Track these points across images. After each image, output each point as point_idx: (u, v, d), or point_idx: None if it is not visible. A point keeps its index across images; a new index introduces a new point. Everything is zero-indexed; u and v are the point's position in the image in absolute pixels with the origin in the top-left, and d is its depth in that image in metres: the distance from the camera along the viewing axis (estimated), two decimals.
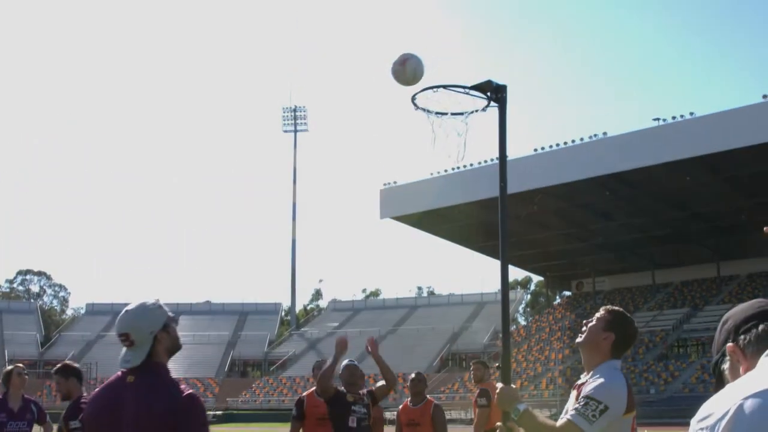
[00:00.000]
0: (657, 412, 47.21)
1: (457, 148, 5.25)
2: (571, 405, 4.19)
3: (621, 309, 4.44)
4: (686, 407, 44.39)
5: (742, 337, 1.86)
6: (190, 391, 3.44)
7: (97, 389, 3.72)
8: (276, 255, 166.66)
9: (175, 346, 3.64)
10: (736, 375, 1.82)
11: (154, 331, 3.51)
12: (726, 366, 1.88)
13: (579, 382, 4.29)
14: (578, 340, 4.31)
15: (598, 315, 4.33)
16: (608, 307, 4.42)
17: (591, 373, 4.16)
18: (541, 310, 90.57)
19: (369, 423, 8.22)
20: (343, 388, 8.34)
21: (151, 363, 3.48)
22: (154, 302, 3.64)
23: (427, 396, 9.63)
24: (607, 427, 3.96)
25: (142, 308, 3.58)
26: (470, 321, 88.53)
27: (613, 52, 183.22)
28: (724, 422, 1.60)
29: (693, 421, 1.70)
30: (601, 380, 4.05)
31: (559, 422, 4.05)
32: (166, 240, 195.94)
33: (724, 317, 1.97)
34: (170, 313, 3.65)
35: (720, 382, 1.87)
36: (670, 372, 58.36)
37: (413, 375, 9.68)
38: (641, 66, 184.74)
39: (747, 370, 1.80)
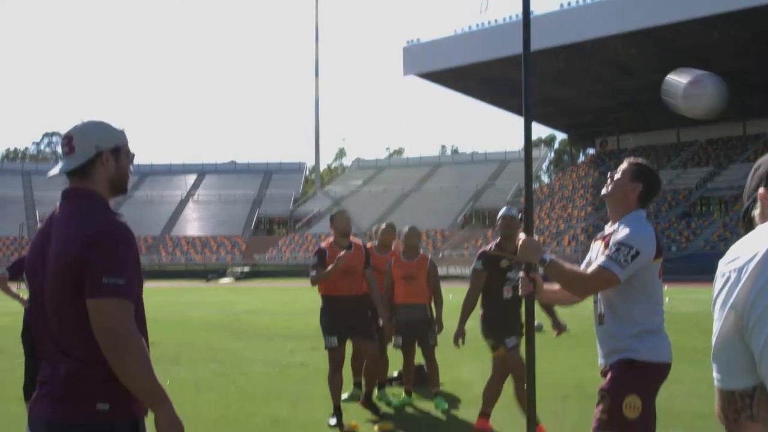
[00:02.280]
0: (678, 268, 47.57)
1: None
2: (595, 255, 4.25)
3: (645, 161, 4.45)
4: (707, 265, 44.53)
5: None
6: (116, 220, 2.92)
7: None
8: (300, 114, 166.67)
9: (119, 180, 3.10)
10: (766, 220, 1.82)
11: (100, 146, 3.02)
12: (756, 212, 1.88)
13: (603, 233, 4.34)
14: (604, 191, 4.34)
15: (623, 167, 4.34)
16: (632, 159, 4.43)
17: (618, 223, 4.22)
18: (565, 167, 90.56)
19: None
20: (497, 243, 7.60)
21: (84, 189, 3.01)
22: (118, 125, 3.13)
23: (420, 250, 9.53)
24: (638, 272, 4.06)
25: (100, 122, 3.11)
26: (493, 179, 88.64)
27: None
28: (753, 264, 1.61)
29: (721, 263, 1.71)
30: (630, 228, 4.14)
31: (590, 269, 4.12)
32: (192, 101, 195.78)
33: (756, 163, 1.96)
34: (128, 146, 3.14)
35: (750, 228, 1.87)
36: (692, 230, 58.58)
37: (407, 228, 9.41)
38: None
39: None
